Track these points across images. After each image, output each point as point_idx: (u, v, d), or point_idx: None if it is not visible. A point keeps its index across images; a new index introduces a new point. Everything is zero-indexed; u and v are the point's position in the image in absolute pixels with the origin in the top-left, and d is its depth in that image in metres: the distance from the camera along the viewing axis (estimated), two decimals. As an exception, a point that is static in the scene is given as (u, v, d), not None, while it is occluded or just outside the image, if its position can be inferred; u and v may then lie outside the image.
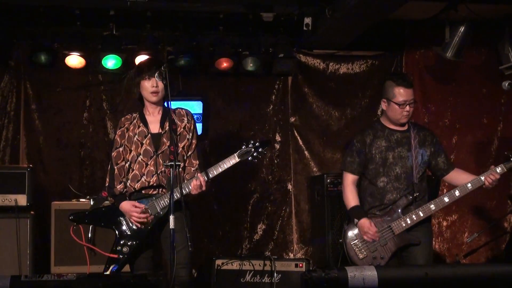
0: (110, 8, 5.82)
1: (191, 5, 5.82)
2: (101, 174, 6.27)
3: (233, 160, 4.31)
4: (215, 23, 6.22)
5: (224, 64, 6.34)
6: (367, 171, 4.62)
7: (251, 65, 6.34)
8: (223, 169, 4.31)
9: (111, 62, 6.08)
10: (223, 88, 6.70)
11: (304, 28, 5.96)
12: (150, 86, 4.31)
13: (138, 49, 6.10)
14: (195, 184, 4.22)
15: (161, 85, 4.29)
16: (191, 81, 6.45)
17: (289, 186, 6.76)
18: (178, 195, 4.00)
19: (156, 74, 4.26)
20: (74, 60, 6.13)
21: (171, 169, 3.93)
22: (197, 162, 4.41)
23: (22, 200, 5.46)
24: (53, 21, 6.03)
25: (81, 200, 5.73)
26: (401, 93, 4.52)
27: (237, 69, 6.38)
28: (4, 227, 5.43)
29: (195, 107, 6.39)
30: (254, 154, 4.32)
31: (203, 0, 5.76)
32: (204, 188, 4.25)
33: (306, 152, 6.77)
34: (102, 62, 6.07)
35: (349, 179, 4.66)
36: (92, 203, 5.40)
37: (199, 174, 4.25)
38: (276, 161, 6.74)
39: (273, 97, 6.78)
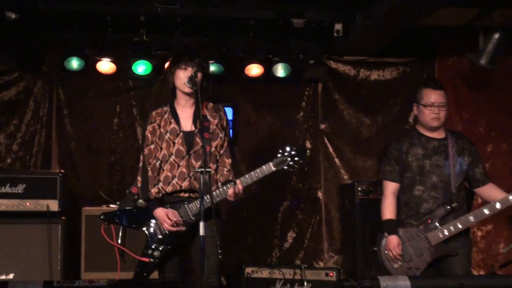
0: (141, 14, 5.84)
1: (221, 11, 5.83)
2: (131, 180, 6.22)
3: (269, 169, 4.19)
4: (245, 29, 6.21)
5: (254, 70, 6.34)
6: (403, 179, 4.51)
7: (281, 71, 6.30)
8: (258, 178, 4.19)
9: (141, 68, 6.10)
10: (253, 95, 6.69)
11: (335, 35, 5.93)
12: (185, 77, 4.18)
13: (168, 55, 6.11)
14: (232, 192, 4.12)
15: (198, 75, 4.14)
16: (221, 87, 6.43)
17: (319, 194, 6.70)
18: (209, 203, 3.96)
19: (192, 67, 4.14)
20: (105, 66, 6.18)
21: (201, 176, 3.81)
22: (230, 161, 4.30)
23: (53, 205, 5.49)
24: (85, 27, 6.07)
25: (111, 205, 5.73)
26: (428, 94, 4.46)
27: (267, 76, 6.35)
28: (35, 232, 5.47)
29: (225, 113, 6.38)
30: (290, 163, 4.19)
31: (233, 6, 5.77)
32: (241, 196, 4.17)
33: (336, 160, 6.71)
34: (133, 67, 6.10)
35: (390, 188, 4.52)
36: (121, 201, 5.37)
37: (238, 181, 4.15)
38: (306, 169, 6.68)
39: (303, 103, 6.75)
